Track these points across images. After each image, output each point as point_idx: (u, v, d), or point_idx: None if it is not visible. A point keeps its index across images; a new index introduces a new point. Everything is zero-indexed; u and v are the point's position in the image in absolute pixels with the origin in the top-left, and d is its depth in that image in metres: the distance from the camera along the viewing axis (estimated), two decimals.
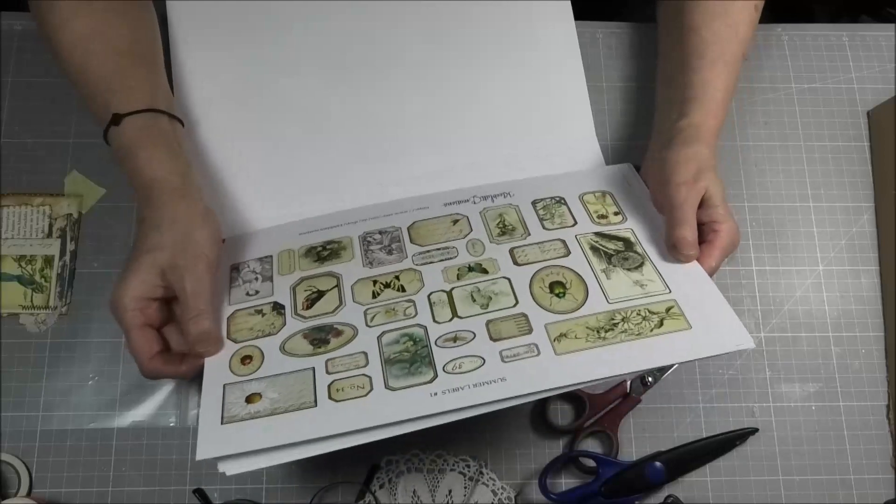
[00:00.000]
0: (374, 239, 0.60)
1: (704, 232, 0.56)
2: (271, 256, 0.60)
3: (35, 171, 0.65)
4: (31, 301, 0.62)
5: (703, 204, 0.56)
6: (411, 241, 0.59)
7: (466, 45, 0.70)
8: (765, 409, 0.63)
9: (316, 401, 0.48)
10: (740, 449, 0.62)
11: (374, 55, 0.69)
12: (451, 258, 0.58)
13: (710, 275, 0.55)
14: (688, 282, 0.54)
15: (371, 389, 0.48)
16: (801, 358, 0.64)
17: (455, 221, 0.61)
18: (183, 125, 0.61)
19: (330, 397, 0.48)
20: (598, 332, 0.50)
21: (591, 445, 0.62)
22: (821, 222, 0.68)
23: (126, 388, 0.61)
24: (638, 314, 0.51)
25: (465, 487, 0.59)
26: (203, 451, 0.46)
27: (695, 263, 0.55)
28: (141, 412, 0.60)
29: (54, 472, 0.59)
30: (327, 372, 0.50)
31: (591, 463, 0.60)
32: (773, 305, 0.65)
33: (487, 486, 0.59)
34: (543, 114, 0.69)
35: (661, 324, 0.51)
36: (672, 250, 0.55)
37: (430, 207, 0.63)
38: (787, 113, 0.71)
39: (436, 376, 0.48)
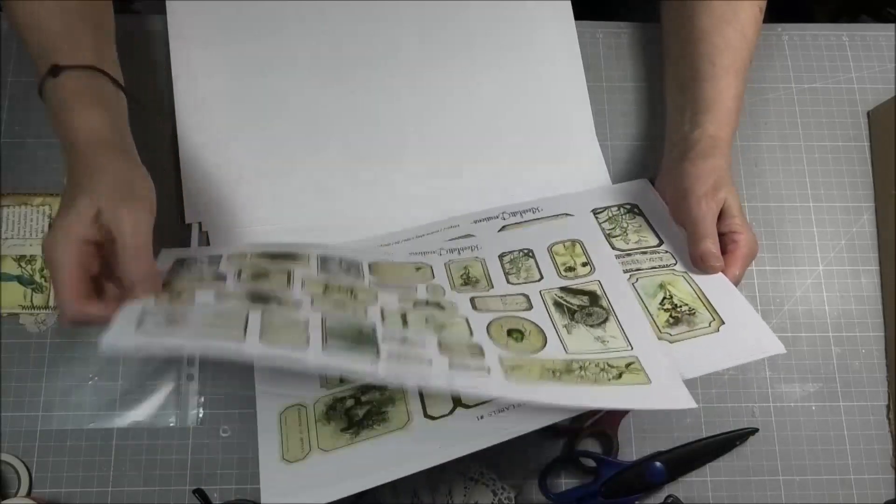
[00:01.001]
0: (333, 260, 0.58)
1: (724, 243, 0.57)
2: (221, 255, 0.57)
3: (35, 171, 0.65)
4: (31, 301, 0.62)
5: (721, 215, 0.57)
6: (371, 272, 0.58)
7: (464, 48, 0.70)
8: (765, 409, 0.63)
9: None
10: (740, 449, 0.62)
11: (372, 56, 0.69)
12: (409, 294, 0.56)
13: (735, 284, 0.55)
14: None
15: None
16: (801, 358, 0.64)
17: (418, 268, 0.59)
18: (128, 98, 0.58)
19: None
20: (553, 372, 0.49)
21: (591, 445, 0.62)
22: (821, 222, 0.68)
23: (126, 388, 0.61)
24: (597, 366, 0.50)
25: (465, 487, 0.59)
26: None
27: (727, 283, 0.55)
28: (141, 412, 0.60)
29: (54, 472, 0.59)
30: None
31: (591, 463, 0.60)
32: (773, 305, 0.65)
33: (487, 486, 0.59)
34: (542, 121, 0.68)
35: (619, 376, 0.49)
36: (698, 263, 0.56)
37: (394, 255, 0.61)
38: (787, 113, 0.71)
39: (377, 357, 0.47)
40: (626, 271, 0.57)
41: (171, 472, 0.59)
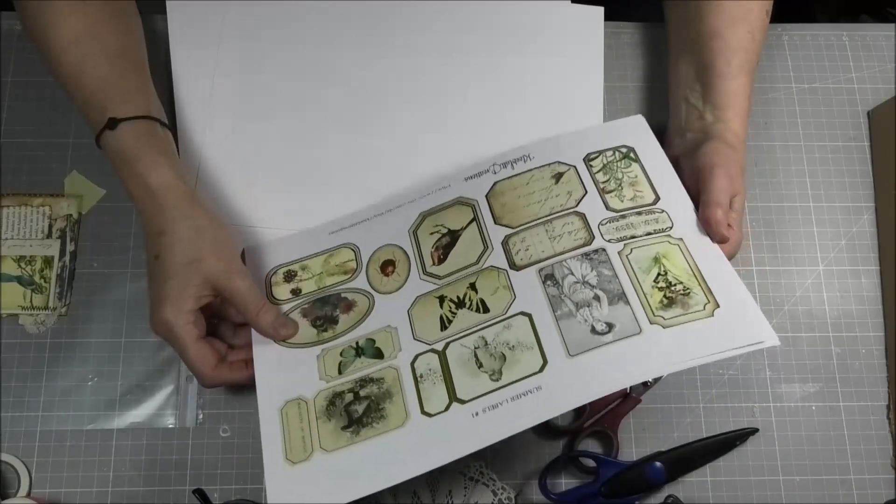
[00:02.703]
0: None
1: None
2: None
3: (35, 172, 0.65)
4: (31, 302, 0.62)
5: None
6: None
7: (484, 44, 0.70)
8: (765, 409, 0.63)
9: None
10: (740, 449, 0.62)
11: (376, 54, 0.69)
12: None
13: None
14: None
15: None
16: (801, 358, 0.64)
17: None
18: (171, 133, 0.61)
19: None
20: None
21: (591, 445, 0.62)
22: (821, 222, 0.68)
23: (126, 389, 0.61)
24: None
25: (465, 487, 0.59)
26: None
27: (722, 258, 0.55)
28: (140, 413, 0.60)
29: (54, 472, 0.59)
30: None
31: (591, 463, 0.60)
32: (773, 305, 0.65)
33: (487, 486, 0.59)
34: (552, 119, 0.68)
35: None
36: (705, 225, 0.56)
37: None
38: (787, 113, 0.70)
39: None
40: (619, 239, 0.56)
41: (171, 472, 0.59)
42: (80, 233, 0.64)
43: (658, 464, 0.59)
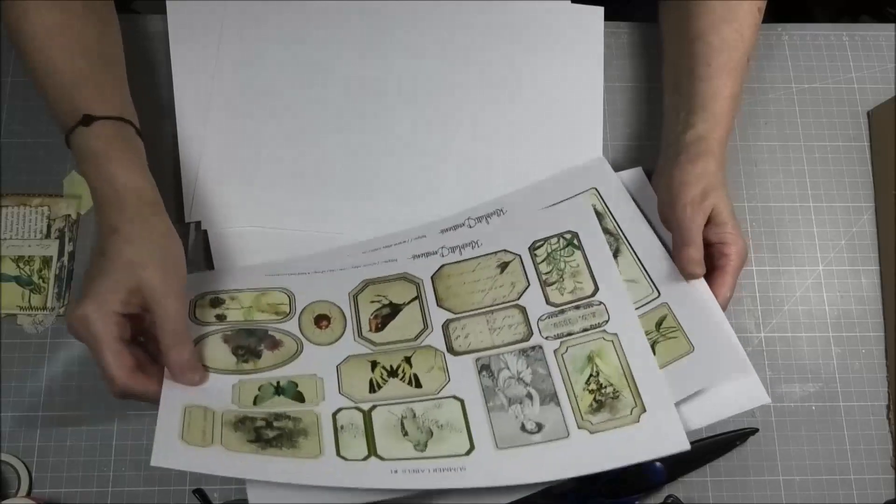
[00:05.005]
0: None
1: (714, 256, 0.56)
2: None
3: (34, 172, 0.65)
4: (29, 302, 0.62)
5: (710, 221, 0.56)
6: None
7: (482, 46, 0.70)
8: (765, 409, 0.63)
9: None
10: (740, 449, 0.62)
11: (376, 54, 0.69)
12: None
13: (726, 303, 0.55)
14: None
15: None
16: (801, 358, 0.64)
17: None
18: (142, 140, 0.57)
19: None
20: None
21: None
22: (821, 222, 0.68)
23: None
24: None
25: None
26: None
27: (713, 306, 0.55)
28: (140, 413, 0.60)
29: (54, 472, 0.59)
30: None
31: None
32: (773, 305, 0.65)
33: None
34: (552, 124, 0.68)
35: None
36: (679, 269, 0.56)
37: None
38: (787, 113, 0.70)
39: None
40: (556, 336, 0.56)
41: (172, 472, 0.59)
42: (78, 233, 0.64)
43: (658, 464, 0.59)
